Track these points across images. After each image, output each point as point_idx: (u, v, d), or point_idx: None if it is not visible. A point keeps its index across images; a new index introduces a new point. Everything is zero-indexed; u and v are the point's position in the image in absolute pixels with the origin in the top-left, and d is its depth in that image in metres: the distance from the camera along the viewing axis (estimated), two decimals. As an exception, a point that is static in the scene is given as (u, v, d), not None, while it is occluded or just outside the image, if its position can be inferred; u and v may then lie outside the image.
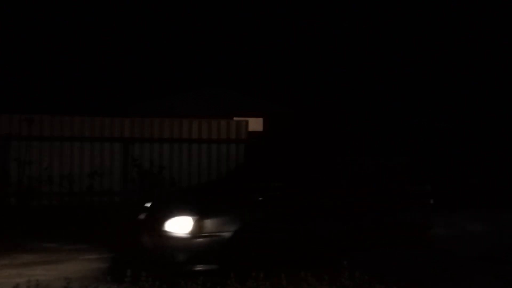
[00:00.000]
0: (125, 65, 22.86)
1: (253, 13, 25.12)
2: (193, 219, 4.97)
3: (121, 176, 9.97)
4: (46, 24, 21.96)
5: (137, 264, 4.82)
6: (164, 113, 13.44)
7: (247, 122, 10.67)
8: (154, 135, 10.22)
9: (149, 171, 9.83)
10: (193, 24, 25.19)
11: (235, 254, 4.95)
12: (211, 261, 4.88)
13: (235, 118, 11.61)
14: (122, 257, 5.82)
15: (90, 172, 9.66)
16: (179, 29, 24.96)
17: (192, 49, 24.56)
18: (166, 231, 5.05)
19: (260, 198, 5.47)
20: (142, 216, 5.85)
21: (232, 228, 5.01)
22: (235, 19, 25.17)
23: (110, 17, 23.49)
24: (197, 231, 4.92)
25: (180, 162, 10.26)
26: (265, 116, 18.50)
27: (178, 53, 24.48)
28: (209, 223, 4.99)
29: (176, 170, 10.20)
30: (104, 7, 23.58)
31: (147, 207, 5.95)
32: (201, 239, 4.93)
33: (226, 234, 4.98)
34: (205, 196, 5.77)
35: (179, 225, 5.00)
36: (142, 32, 23.97)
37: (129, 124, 10.19)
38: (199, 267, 4.85)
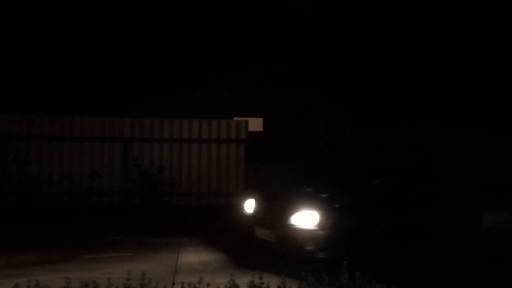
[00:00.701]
0: (125, 65, 22.87)
1: (252, 14, 25.12)
2: (319, 213, 5.61)
3: (121, 176, 9.97)
4: (46, 24, 21.95)
5: (257, 254, 6.03)
6: (164, 113, 13.46)
7: (247, 122, 10.67)
8: (154, 135, 10.22)
9: (149, 171, 9.83)
10: (193, 24, 25.21)
11: (354, 244, 5.56)
12: (333, 250, 5.54)
13: (235, 118, 11.60)
14: (237, 248, 6.64)
15: (90, 172, 9.66)
16: (179, 29, 24.97)
17: (191, 49, 24.56)
18: (292, 225, 5.68)
19: (370, 195, 6.13)
20: (249, 211, 6.52)
21: (351, 220, 5.63)
22: (234, 20, 25.17)
23: (110, 17, 23.49)
24: (322, 224, 5.57)
25: (180, 162, 10.25)
26: (265, 116, 18.50)
27: (178, 53, 24.49)
28: (331, 217, 5.61)
29: (176, 170, 10.20)
30: (104, 7, 23.58)
31: (250, 203, 6.58)
32: (325, 231, 5.56)
33: (346, 226, 5.59)
34: (323, 192, 6.21)
35: (306, 219, 5.63)
36: (142, 32, 23.98)
37: (129, 124, 10.18)
38: (322, 255, 5.57)
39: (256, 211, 6.41)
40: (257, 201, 6.49)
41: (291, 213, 5.74)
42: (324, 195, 6.05)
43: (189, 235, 7.42)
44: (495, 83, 18.02)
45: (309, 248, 5.58)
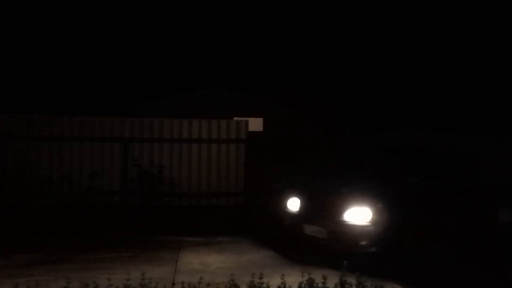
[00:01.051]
0: (125, 65, 22.87)
1: (252, 14, 25.13)
2: (371, 210, 5.95)
3: (121, 176, 9.96)
4: (46, 24, 21.96)
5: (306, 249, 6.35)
6: (164, 113, 13.43)
7: (247, 122, 10.66)
8: (154, 135, 10.21)
9: (149, 171, 9.82)
10: (193, 24, 25.19)
11: (404, 238, 5.97)
12: (385, 244, 5.90)
13: (235, 118, 11.60)
14: (288, 244, 6.78)
15: (90, 172, 9.66)
16: (179, 29, 24.97)
17: (191, 49, 24.56)
18: (345, 221, 6.03)
19: (414, 192, 6.45)
20: (294, 209, 6.80)
21: (400, 216, 6.01)
22: (234, 20, 25.18)
23: (110, 17, 23.50)
24: (374, 220, 5.91)
25: (180, 162, 10.25)
26: (265, 116, 18.50)
27: (178, 53, 24.48)
28: (383, 213, 5.95)
29: (176, 170, 10.19)
30: (104, 7, 23.58)
31: (294, 201, 6.86)
32: (377, 226, 5.90)
33: (396, 222, 5.95)
34: (370, 189, 6.41)
35: (359, 216, 5.98)
36: (142, 32, 23.98)
37: (129, 124, 10.18)
38: (374, 249, 5.89)
39: (302, 209, 6.68)
40: (302, 200, 6.75)
41: (344, 210, 6.06)
42: (373, 192, 6.25)
43: (190, 235, 7.42)
44: (495, 82, 18.02)
45: (363, 243, 5.88)
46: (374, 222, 5.90)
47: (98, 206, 9.49)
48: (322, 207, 6.34)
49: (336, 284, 4.15)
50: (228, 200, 10.28)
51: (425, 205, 6.36)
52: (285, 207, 6.94)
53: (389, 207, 6.00)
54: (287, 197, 7.03)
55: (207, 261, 5.97)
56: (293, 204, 6.86)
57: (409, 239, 6.00)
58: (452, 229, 6.51)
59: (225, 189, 10.32)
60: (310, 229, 6.34)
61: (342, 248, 5.98)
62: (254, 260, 6.04)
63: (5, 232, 7.34)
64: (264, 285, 3.97)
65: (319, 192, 6.89)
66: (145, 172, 9.81)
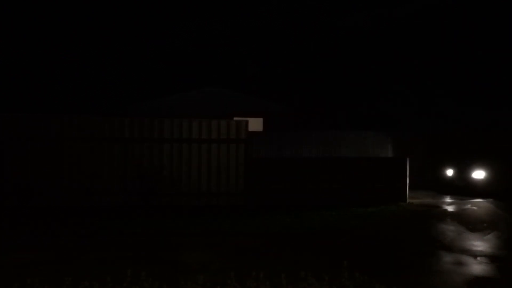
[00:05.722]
0: (125, 65, 22.88)
1: (253, 13, 25.14)
2: (485, 171, 12.29)
3: (121, 176, 9.94)
4: (46, 24, 21.97)
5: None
6: (164, 113, 13.41)
7: (247, 122, 10.64)
8: (154, 135, 10.19)
9: (149, 171, 9.81)
10: (193, 24, 25.19)
11: (499, 185, 12.09)
12: (489, 189, 11.99)
13: (235, 118, 11.59)
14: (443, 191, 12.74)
15: (90, 172, 9.64)
16: (179, 28, 24.97)
17: (192, 49, 24.56)
18: (473, 177, 12.38)
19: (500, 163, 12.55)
20: (450, 174, 12.94)
21: (495, 174, 12.26)
22: (234, 19, 25.19)
23: (110, 17, 23.51)
24: (485, 176, 12.28)
25: (180, 162, 10.24)
26: (265, 115, 18.48)
27: (178, 53, 24.48)
28: (489, 173, 12.25)
29: (176, 170, 10.18)
30: (104, 7, 23.59)
31: (450, 170, 13.02)
32: (487, 179, 12.24)
33: (494, 176, 12.24)
34: (480, 163, 12.48)
35: (479, 174, 12.33)
36: (142, 32, 23.98)
37: (129, 124, 10.15)
38: (485, 191, 11.93)
39: (454, 173, 12.87)
40: (454, 169, 12.92)
41: (472, 172, 12.36)
42: (485, 164, 12.35)
43: (190, 235, 7.43)
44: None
45: (481, 187, 12.08)
46: (485, 177, 12.21)
47: (98, 206, 9.49)
48: (463, 172, 12.57)
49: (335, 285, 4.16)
50: (228, 200, 10.27)
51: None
52: (445, 173, 13.02)
53: (490, 170, 12.22)
54: (445, 169, 13.02)
55: (207, 261, 5.97)
56: (449, 171, 12.96)
57: (500, 186, 11.92)
58: None
59: (225, 189, 10.30)
60: (458, 182, 12.58)
61: (472, 190, 12.00)
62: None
63: (5, 232, 7.34)
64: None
65: (460, 165, 12.85)
66: (145, 172, 9.80)
